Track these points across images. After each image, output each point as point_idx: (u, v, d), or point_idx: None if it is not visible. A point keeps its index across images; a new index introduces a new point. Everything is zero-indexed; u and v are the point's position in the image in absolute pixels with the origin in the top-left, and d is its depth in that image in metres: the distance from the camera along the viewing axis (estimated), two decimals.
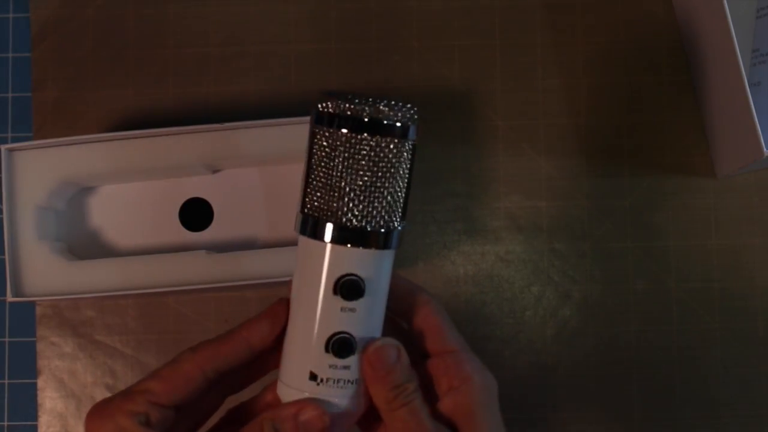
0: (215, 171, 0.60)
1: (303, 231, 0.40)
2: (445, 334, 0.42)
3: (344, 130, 0.39)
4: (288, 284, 0.42)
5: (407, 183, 0.41)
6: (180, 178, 0.60)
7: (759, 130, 0.53)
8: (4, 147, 0.56)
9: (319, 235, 0.40)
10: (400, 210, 0.41)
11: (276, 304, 0.42)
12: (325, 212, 0.40)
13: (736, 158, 0.59)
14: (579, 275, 0.63)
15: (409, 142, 0.40)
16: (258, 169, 0.60)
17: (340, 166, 0.39)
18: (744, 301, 0.63)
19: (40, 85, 0.64)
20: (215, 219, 0.60)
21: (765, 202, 0.64)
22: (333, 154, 0.39)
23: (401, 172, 0.40)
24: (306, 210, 0.40)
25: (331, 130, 0.39)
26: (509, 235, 0.64)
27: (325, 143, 0.39)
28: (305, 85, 0.64)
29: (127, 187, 0.60)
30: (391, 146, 0.39)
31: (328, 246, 0.40)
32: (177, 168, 0.58)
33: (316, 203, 0.40)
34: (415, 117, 0.40)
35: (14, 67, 0.65)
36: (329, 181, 0.39)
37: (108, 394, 0.63)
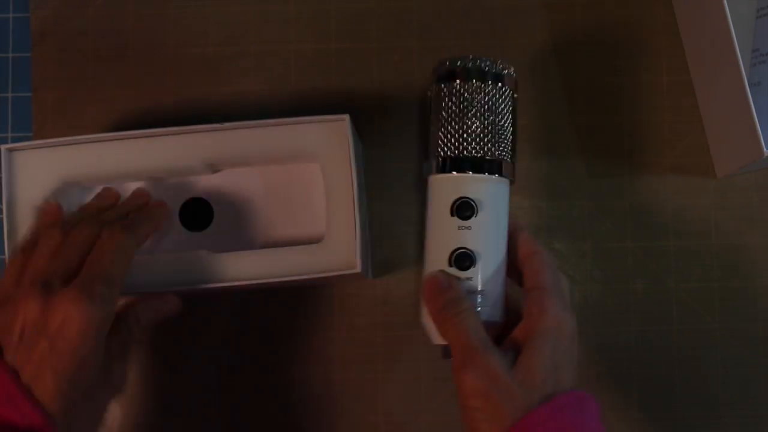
0: (215, 171, 0.60)
1: (427, 171, 0.51)
2: (543, 275, 0.49)
3: (475, 81, 0.49)
4: None
5: (513, 124, 0.51)
6: (180, 178, 0.60)
7: (759, 130, 0.53)
8: (4, 147, 0.56)
9: (435, 169, 0.50)
10: (507, 146, 0.50)
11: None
12: (443, 149, 0.49)
13: (736, 158, 0.59)
14: (579, 275, 0.63)
15: (514, 92, 0.51)
16: (258, 169, 0.60)
17: (465, 110, 0.49)
18: (744, 301, 0.63)
19: (40, 85, 0.64)
20: (215, 219, 0.60)
21: (765, 202, 0.64)
22: (458, 101, 0.49)
23: (509, 113, 0.50)
24: (433, 153, 0.50)
25: (459, 83, 0.49)
26: None
27: (451, 93, 0.49)
28: (305, 85, 0.64)
29: (127, 187, 0.60)
30: (505, 92, 0.50)
31: (442, 177, 0.50)
32: (177, 168, 0.58)
33: (440, 143, 0.50)
34: (514, 74, 0.51)
35: (14, 67, 0.65)
36: (452, 123, 0.49)
37: None
